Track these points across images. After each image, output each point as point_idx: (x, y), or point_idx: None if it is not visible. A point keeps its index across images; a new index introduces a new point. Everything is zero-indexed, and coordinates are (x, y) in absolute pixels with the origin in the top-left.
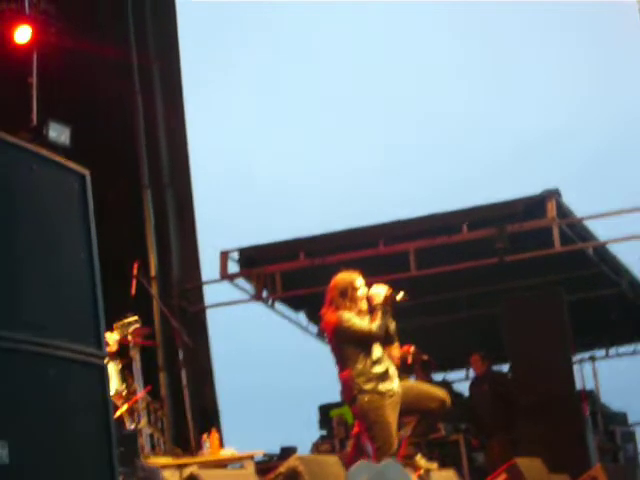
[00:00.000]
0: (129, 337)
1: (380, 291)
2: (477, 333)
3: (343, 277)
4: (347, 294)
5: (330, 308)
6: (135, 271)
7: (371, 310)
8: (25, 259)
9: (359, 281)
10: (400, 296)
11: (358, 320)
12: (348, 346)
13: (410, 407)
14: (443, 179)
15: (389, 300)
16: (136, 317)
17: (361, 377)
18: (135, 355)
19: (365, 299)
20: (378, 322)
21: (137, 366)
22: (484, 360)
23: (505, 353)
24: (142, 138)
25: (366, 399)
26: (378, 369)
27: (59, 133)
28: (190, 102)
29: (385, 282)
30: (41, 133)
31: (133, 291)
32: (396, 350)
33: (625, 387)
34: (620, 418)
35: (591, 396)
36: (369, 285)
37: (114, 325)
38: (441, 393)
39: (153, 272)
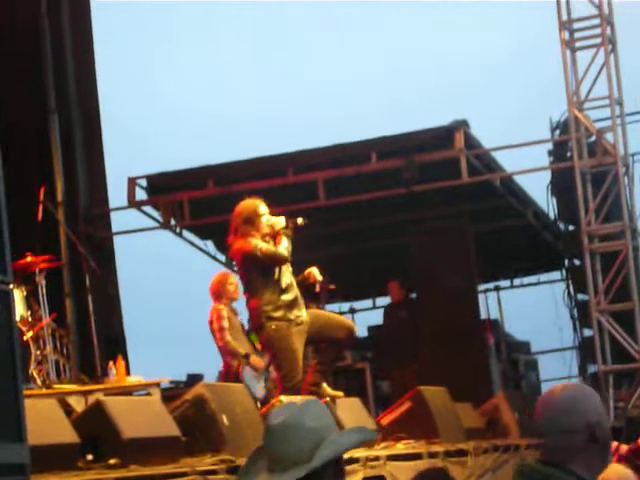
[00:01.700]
0: None
1: (280, 218)
2: (386, 263)
3: (246, 204)
4: (251, 221)
5: (236, 236)
6: (41, 196)
7: (274, 236)
8: None
9: (262, 208)
10: (300, 221)
11: (265, 245)
12: (257, 274)
13: (317, 336)
14: (356, 111)
15: (290, 225)
16: None
17: (269, 305)
18: (41, 281)
19: (269, 225)
20: (283, 245)
21: (43, 292)
22: (402, 287)
23: (413, 282)
24: (49, 62)
25: (273, 327)
26: (287, 297)
27: None
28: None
29: (294, 211)
30: None
31: (40, 216)
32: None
33: (529, 317)
34: (523, 347)
35: (495, 325)
36: (273, 215)
37: None
38: (348, 322)
39: (60, 197)
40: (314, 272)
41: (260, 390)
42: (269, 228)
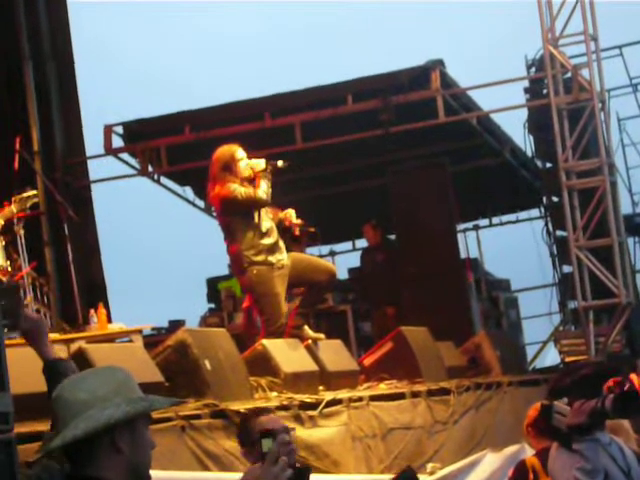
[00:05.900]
0: (27, 211)
1: (260, 160)
2: (365, 205)
3: (223, 150)
4: (229, 167)
5: (214, 182)
6: (17, 146)
7: (253, 178)
8: None
9: (240, 153)
10: (280, 163)
11: (244, 189)
12: (236, 218)
13: (299, 279)
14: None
15: (270, 167)
16: (35, 192)
17: (250, 250)
18: (19, 231)
19: (248, 169)
20: (262, 188)
21: (22, 242)
22: (376, 229)
23: (392, 224)
24: (21, 8)
25: (255, 271)
26: (267, 241)
27: None
28: None
29: (272, 155)
30: None
31: (16, 166)
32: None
33: (508, 255)
34: (503, 284)
35: (475, 264)
36: (252, 158)
37: (12, 198)
38: (329, 265)
39: (36, 147)
40: (290, 214)
41: None
42: (248, 171)
